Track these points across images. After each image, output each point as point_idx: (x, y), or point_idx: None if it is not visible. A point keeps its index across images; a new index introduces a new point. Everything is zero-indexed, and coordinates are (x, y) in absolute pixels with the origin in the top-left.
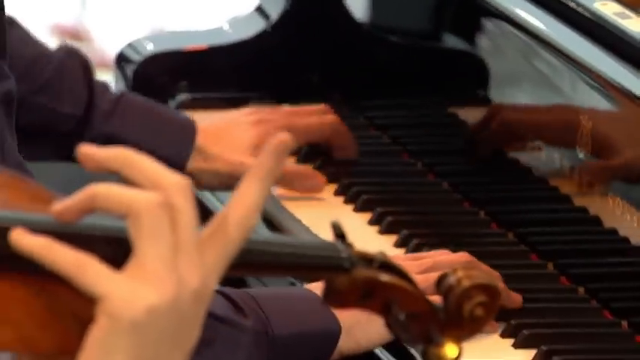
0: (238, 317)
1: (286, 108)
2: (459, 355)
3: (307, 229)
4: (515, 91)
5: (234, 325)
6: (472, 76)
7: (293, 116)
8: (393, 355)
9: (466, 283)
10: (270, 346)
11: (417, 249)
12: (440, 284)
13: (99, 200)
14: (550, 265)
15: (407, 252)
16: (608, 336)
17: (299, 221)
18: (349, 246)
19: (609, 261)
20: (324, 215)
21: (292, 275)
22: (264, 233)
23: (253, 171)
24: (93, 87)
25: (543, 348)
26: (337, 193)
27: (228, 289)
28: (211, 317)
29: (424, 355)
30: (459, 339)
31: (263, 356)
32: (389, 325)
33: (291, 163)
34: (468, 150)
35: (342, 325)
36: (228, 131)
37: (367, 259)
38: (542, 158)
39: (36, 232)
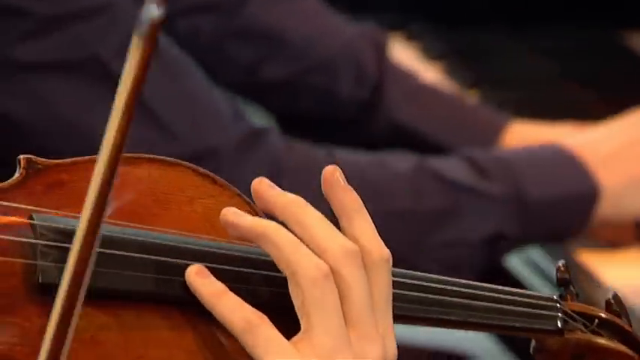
0: (484, 184)
1: None
2: None
3: None
4: None
5: (480, 194)
6: None
7: None
8: None
9: None
10: (522, 210)
11: None
12: None
13: (266, 243)
14: None
15: None
16: None
17: None
18: (572, 296)
19: None
20: None
21: (495, 332)
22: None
23: (348, 211)
24: (385, 69)
25: None
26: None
27: (478, 153)
28: (453, 187)
29: None
30: None
31: (514, 222)
32: None
33: None
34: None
35: (604, 189)
36: (548, 141)
37: (587, 317)
38: None
39: (210, 263)
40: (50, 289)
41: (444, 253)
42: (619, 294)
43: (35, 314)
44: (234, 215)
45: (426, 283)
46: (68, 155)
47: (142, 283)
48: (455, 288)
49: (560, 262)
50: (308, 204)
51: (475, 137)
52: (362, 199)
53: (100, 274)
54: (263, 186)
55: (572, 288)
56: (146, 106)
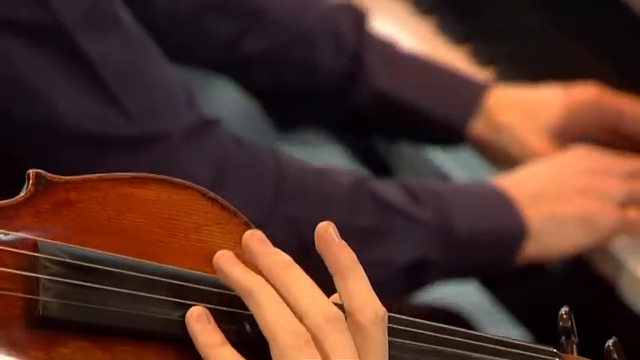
0: (415, 208)
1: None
2: None
3: None
4: None
5: (410, 218)
6: None
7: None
8: None
9: None
10: (448, 239)
11: None
12: None
13: (250, 301)
14: None
15: None
16: None
17: None
18: (572, 346)
19: None
20: None
21: None
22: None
23: (342, 269)
24: (363, 39)
25: None
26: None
27: (412, 182)
28: (385, 206)
29: None
30: None
31: (439, 251)
32: None
33: None
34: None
35: (531, 229)
36: (530, 104)
37: None
38: None
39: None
40: (50, 323)
41: (366, 272)
42: (617, 342)
43: (34, 347)
44: (226, 262)
45: (426, 332)
46: (26, 120)
47: (142, 321)
48: (455, 338)
49: (563, 310)
50: (295, 265)
51: (457, 102)
52: (302, 206)
53: (99, 310)
54: (254, 240)
55: (573, 337)
56: (105, 84)
